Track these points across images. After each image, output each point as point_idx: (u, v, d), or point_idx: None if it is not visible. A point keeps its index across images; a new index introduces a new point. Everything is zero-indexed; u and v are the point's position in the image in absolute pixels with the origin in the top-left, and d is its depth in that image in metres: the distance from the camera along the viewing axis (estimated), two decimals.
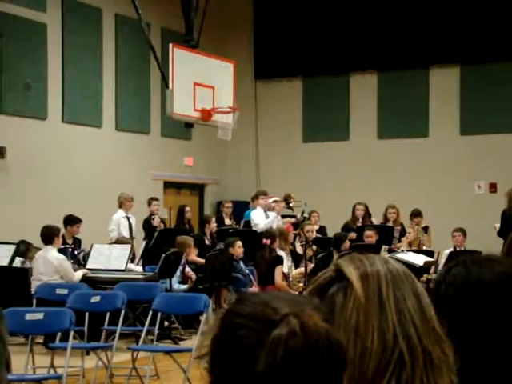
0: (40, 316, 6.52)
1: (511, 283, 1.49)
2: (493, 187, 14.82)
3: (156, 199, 12.44)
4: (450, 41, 14.75)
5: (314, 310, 1.04)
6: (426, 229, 12.02)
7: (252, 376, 0.99)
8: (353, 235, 11.08)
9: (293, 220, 12.12)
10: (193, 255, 10.96)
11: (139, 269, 10.55)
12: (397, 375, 1.17)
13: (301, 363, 0.99)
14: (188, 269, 10.52)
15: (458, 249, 10.84)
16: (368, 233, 11.11)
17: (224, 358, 1.03)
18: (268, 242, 10.13)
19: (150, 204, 12.29)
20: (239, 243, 10.56)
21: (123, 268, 9.75)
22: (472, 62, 14.84)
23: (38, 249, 9.91)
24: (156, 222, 12.01)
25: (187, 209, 12.78)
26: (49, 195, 12.66)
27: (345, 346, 1.04)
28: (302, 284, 9.82)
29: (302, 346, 1.00)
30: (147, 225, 12.05)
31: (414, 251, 10.60)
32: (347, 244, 10.48)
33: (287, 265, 10.19)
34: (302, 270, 10.37)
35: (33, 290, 9.00)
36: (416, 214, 12.00)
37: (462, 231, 10.87)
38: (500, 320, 1.47)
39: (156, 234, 11.52)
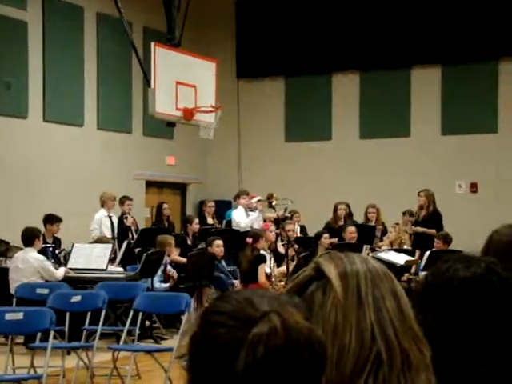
0: (20, 316, 6.48)
1: (484, 285, 1.50)
2: (473, 187, 14.91)
3: (130, 198, 12.30)
4: (432, 41, 14.81)
5: (294, 308, 1.03)
6: None
7: (232, 375, 0.98)
8: (333, 240, 11.09)
9: (274, 215, 12.13)
10: (174, 255, 10.93)
11: (120, 270, 10.49)
12: (374, 374, 1.17)
13: (281, 361, 0.98)
14: (169, 267, 10.50)
15: None
16: (351, 228, 11.18)
17: (203, 356, 1.02)
18: (250, 240, 10.13)
19: (122, 203, 12.18)
20: (218, 242, 10.52)
21: (104, 267, 9.71)
22: (453, 62, 14.91)
23: (18, 248, 9.85)
24: (129, 221, 11.93)
25: (165, 205, 12.74)
26: (29, 194, 12.58)
27: (325, 345, 1.03)
28: (283, 283, 9.83)
29: (283, 344, 0.98)
30: (119, 224, 11.93)
31: (396, 250, 10.64)
32: (327, 241, 10.56)
33: (269, 264, 10.20)
34: (283, 268, 10.39)
35: (11, 290, 8.94)
36: (410, 214, 11.97)
37: (443, 238, 10.69)
38: (472, 320, 1.47)
39: (138, 233, 11.47)
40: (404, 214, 12.05)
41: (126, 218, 11.92)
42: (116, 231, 11.81)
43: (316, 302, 1.21)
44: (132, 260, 10.47)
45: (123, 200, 12.15)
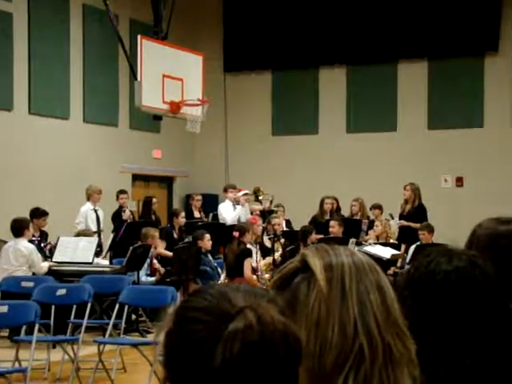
0: (4, 309, 6.46)
1: (466, 278, 1.51)
2: (459, 181, 14.98)
3: (124, 192, 12.37)
4: (418, 36, 14.85)
5: (270, 303, 1.03)
6: None
7: (208, 370, 0.98)
8: (318, 237, 11.10)
9: (260, 207, 12.13)
10: (160, 248, 10.92)
11: (106, 262, 10.49)
12: (355, 368, 1.16)
13: (257, 357, 0.98)
14: (155, 261, 10.49)
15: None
16: (332, 222, 11.20)
17: (179, 352, 1.01)
18: (237, 234, 10.13)
19: (118, 197, 12.27)
20: (208, 236, 10.57)
21: (90, 261, 9.69)
22: (440, 57, 14.96)
23: (4, 242, 9.82)
24: (126, 215, 11.95)
25: (154, 200, 12.74)
26: (15, 188, 12.52)
27: (301, 340, 1.03)
28: (268, 276, 9.84)
29: (258, 339, 0.98)
30: (116, 217, 11.98)
31: (382, 244, 10.67)
32: (313, 237, 10.54)
33: (255, 258, 10.20)
34: (269, 259, 10.39)
35: None
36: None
37: (428, 228, 10.75)
38: (455, 313, 1.48)
39: (124, 226, 11.45)
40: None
41: (124, 211, 11.95)
42: (101, 225, 11.79)
43: (301, 294, 1.21)
44: (120, 253, 10.45)
45: (118, 194, 12.23)
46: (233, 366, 0.97)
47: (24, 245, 9.29)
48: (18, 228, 9.35)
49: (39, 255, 9.47)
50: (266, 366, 0.98)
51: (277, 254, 10.44)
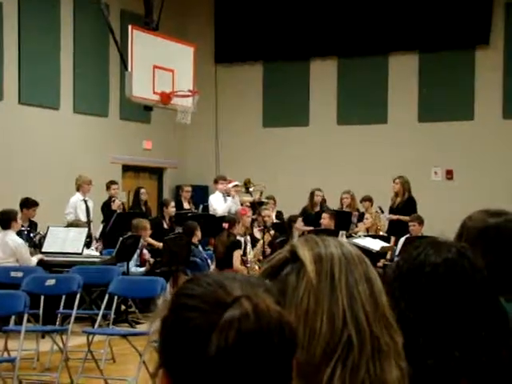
0: None
1: (455, 270, 1.51)
2: (449, 174, 15.02)
3: (115, 183, 12.38)
4: (410, 28, 14.85)
5: (266, 292, 1.03)
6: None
7: (203, 359, 0.98)
8: (307, 228, 11.13)
9: (250, 199, 12.14)
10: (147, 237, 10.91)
11: (95, 254, 10.46)
12: (343, 359, 1.16)
13: (253, 346, 0.98)
14: (145, 251, 10.49)
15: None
16: (323, 214, 11.25)
17: (174, 339, 1.01)
18: (226, 225, 10.14)
19: (108, 188, 12.25)
20: (198, 227, 10.61)
21: (79, 251, 9.67)
22: (431, 49, 14.97)
23: None
24: (115, 205, 11.94)
25: (142, 190, 12.75)
26: (5, 178, 12.47)
27: (296, 330, 1.04)
28: (257, 267, 9.86)
29: (254, 328, 0.98)
30: (106, 208, 11.97)
31: (371, 237, 10.70)
32: (298, 224, 10.60)
33: (244, 249, 10.21)
34: (257, 249, 10.40)
35: None
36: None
37: (418, 219, 10.79)
38: (444, 305, 1.48)
39: (114, 217, 11.44)
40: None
41: (114, 201, 11.94)
42: (91, 215, 11.77)
43: (290, 284, 1.21)
44: (110, 244, 10.44)
45: (109, 184, 12.24)
46: (228, 355, 0.97)
47: (11, 238, 9.24)
48: (5, 220, 9.30)
49: (27, 249, 9.42)
50: (261, 355, 0.98)
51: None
